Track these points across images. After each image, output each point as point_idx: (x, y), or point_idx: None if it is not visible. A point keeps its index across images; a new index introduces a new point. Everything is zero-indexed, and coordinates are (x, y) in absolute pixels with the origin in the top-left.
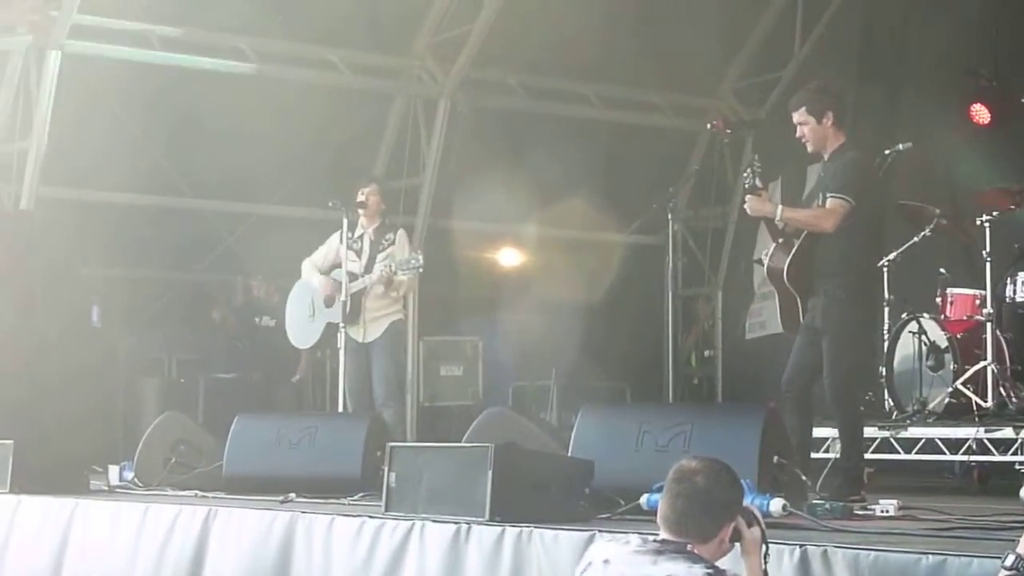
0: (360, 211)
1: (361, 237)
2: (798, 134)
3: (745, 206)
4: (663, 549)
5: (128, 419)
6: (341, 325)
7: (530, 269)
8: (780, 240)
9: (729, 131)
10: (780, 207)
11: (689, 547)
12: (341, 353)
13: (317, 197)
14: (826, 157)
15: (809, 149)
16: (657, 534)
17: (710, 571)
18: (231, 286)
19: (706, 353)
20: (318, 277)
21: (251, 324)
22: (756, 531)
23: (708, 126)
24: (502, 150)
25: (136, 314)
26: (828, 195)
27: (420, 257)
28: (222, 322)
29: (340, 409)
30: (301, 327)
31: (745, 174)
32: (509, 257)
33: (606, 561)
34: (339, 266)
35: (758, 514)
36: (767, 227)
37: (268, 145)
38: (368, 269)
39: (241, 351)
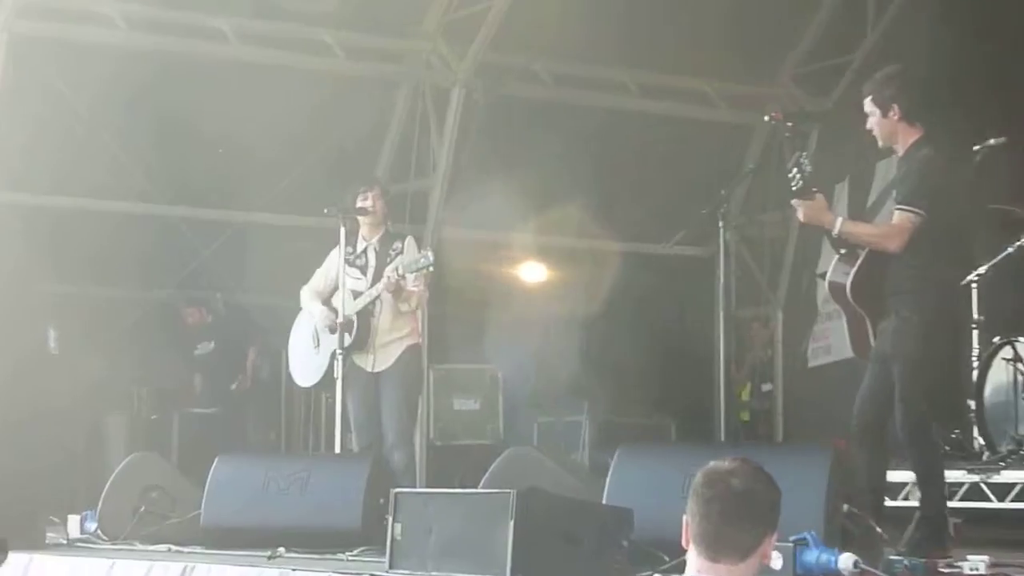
0: (361, 219)
1: (365, 251)
2: (867, 125)
3: (797, 213)
4: None
5: (91, 461)
6: (339, 352)
7: (558, 286)
8: (842, 251)
9: (790, 124)
10: (840, 219)
11: None
12: (338, 385)
13: (309, 203)
14: (900, 153)
15: (879, 143)
16: None
17: None
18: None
19: (763, 387)
20: (318, 307)
21: (189, 356)
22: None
23: (765, 118)
24: (524, 147)
25: (99, 339)
26: (895, 207)
27: (430, 254)
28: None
29: (337, 450)
30: (305, 362)
31: (792, 173)
32: (533, 272)
33: None
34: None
35: None
36: (827, 236)
37: (251, 143)
38: (372, 284)
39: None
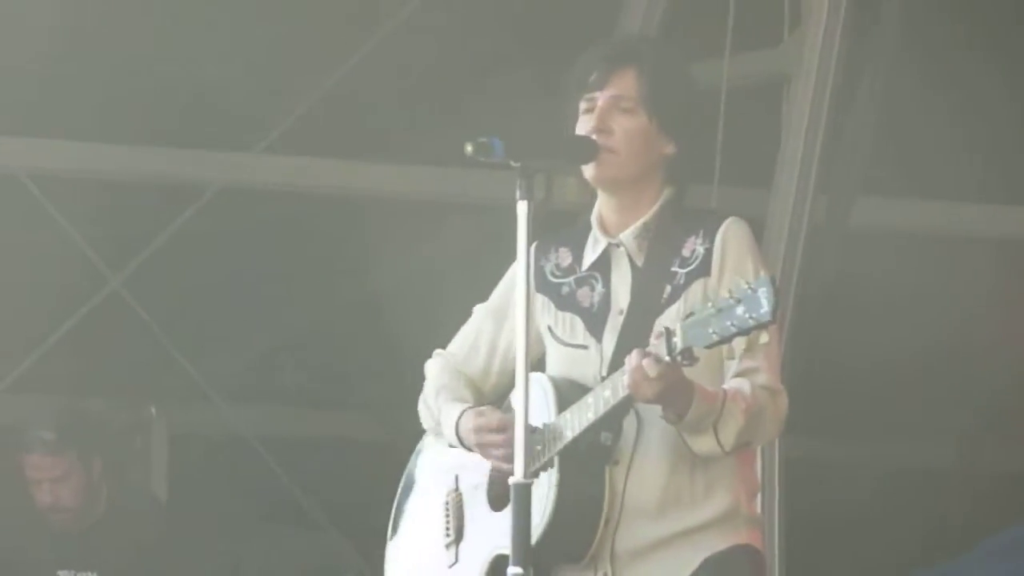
0: (590, 172)
1: (601, 264)
2: None
3: None
4: None
5: None
6: (515, 568)
7: None
8: None
9: None
10: None
11: None
12: None
13: (410, 140)
14: None
15: None
16: None
17: None
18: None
19: None
20: (456, 413)
21: None
22: None
23: None
24: None
25: None
26: None
27: (766, 292)
28: None
29: None
30: None
31: None
32: None
33: None
34: (541, 364)
35: None
36: None
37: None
38: (622, 361)
39: None
